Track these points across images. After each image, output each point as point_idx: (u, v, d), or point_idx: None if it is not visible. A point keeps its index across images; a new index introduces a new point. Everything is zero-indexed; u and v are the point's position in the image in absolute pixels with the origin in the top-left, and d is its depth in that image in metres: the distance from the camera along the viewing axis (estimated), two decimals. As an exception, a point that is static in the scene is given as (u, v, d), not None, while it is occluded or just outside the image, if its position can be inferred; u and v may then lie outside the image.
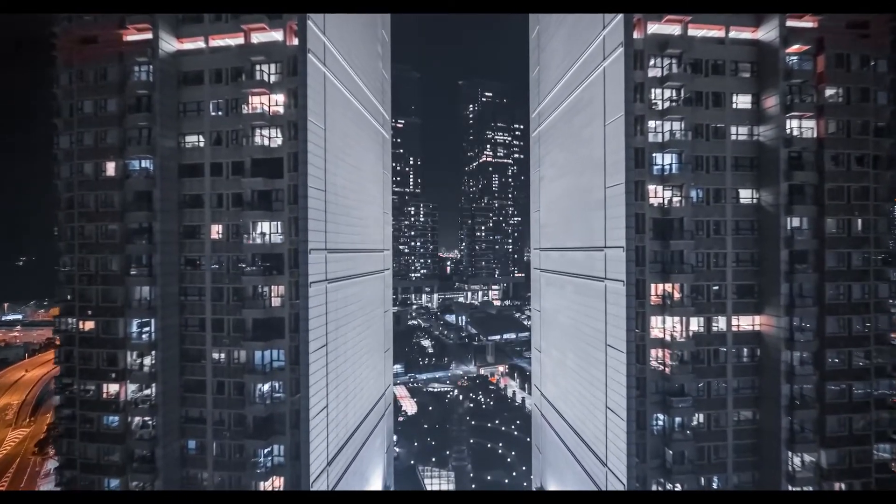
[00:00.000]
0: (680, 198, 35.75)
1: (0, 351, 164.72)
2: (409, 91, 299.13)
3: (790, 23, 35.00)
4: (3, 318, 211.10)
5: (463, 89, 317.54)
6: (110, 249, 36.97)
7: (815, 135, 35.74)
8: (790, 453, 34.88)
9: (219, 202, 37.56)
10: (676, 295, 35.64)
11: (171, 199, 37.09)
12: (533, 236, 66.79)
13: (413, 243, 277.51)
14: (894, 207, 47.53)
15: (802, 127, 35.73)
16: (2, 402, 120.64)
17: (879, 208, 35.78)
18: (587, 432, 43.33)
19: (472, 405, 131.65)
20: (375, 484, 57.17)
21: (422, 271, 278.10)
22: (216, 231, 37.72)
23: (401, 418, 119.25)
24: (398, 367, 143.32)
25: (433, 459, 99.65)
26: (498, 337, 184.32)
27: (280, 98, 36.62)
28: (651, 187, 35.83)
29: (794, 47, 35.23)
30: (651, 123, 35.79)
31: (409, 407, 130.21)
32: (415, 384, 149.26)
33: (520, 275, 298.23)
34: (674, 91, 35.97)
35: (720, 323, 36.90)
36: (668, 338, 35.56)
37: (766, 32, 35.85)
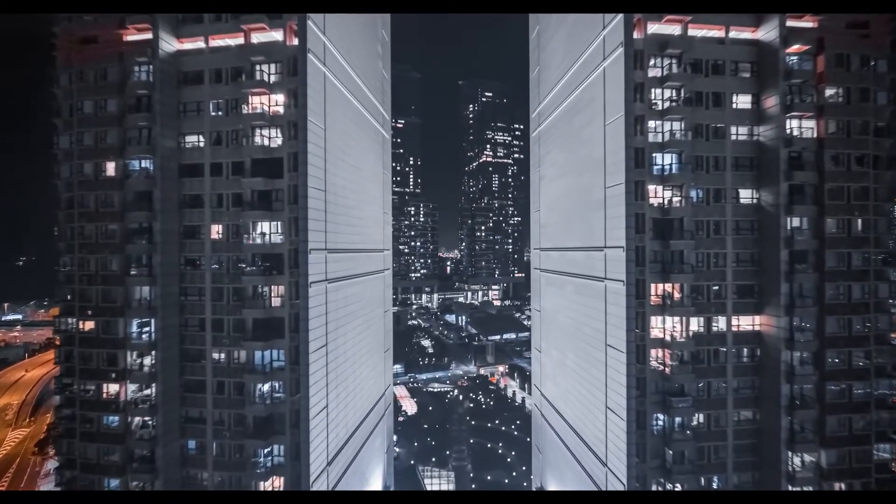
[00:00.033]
0: (680, 198, 35.74)
1: (0, 351, 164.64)
2: (409, 91, 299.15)
3: (790, 23, 35.00)
4: (3, 318, 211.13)
5: (463, 89, 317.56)
6: (110, 249, 36.97)
7: (815, 135, 35.74)
8: (790, 453, 34.88)
9: (219, 202, 37.57)
10: (676, 295, 35.64)
11: (171, 199, 37.10)
12: (533, 236, 66.80)
13: (413, 243, 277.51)
14: (894, 207, 47.53)
15: (802, 127, 35.73)
16: (2, 402, 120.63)
17: (879, 208, 35.78)
18: (587, 432, 43.33)
19: (472, 405, 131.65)
20: (375, 484, 57.17)
21: (422, 271, 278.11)
22: (216, 231, 37.72)
23: (401, 418, 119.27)
24: (398, 367, 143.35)
25: (433, 459, 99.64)
26: (498, 337, 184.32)
27: (280, 98, 36.61)
28: (651, 187, 35.82)
29: (794, 47, 35.24)
30: (651, 123, 35.79)
31: (409, 407, 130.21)
32: (415, 384, 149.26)
33: (520, 275, 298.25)
34: (674, 91, 35.97)
35: (720, 323, 36.90)
36: (668, 338, 35.56)
37: (766, 32, 35.85)
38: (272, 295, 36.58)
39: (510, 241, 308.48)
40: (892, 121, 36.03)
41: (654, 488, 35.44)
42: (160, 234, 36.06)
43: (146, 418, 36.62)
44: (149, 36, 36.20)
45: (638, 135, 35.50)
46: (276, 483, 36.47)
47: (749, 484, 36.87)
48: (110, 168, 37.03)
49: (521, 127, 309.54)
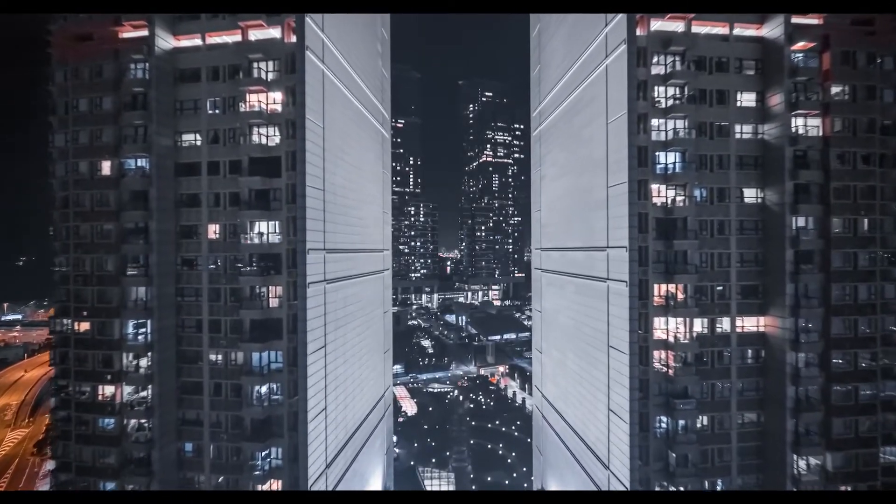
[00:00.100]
0: (683, 197, 35.26)
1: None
2: (409, 91, 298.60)
3: (795, 19, 34.50)
4: (3, 318, 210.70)
5: (463, 89, 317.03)
6: (106, 249, 36.47)
7: (820, 133, 35.22)
8: (795, 456, 34.40)
9: (216, 201, 37.08)
10: (680, 295, 35.17)
11: (167, 198, 36.60)
12: (534, 236, 66.32)
13: (413, 243, 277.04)
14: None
15: (808, 125, 35.24)
16: (1, 402, 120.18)
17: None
18: (589, 434, 42.84)
19: (472, 406, 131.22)
20: (375, 486, 56.70)
21: (422, 271, 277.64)
22: (213, 231, 37.23)
23: (401, 419, 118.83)
24: (398, 368, 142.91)
25: (433, 460, 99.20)
26: (498, 337, 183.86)
27: (278, 96, 36.13)
28: (654, 186, 35.34)
29: (800, 44, 34.73)
30: (654, 122, 35.32)
31: (409, 407, 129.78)
32: (415, 384, 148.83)
33: (520, 275, 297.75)
34: (677, 89, 35.49)
35: (724, 324, 36.39)
36: (671, 339, 35.08)
37: (771, 29, 35.35)
38: (270, 295, 36.11)
39: (510, 241, 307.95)
40: (898, 119, 35.50)
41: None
42: (156, 233, 35.57)
43: (142, 420, 36.06)
44: (145, 33, 35.73)
45: (641, 133, 35.01)
46: (274, 486, 35.99)
47: (754, 487, 36.37)
48: (106, 167, 36.56)
49: (522, 127, 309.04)
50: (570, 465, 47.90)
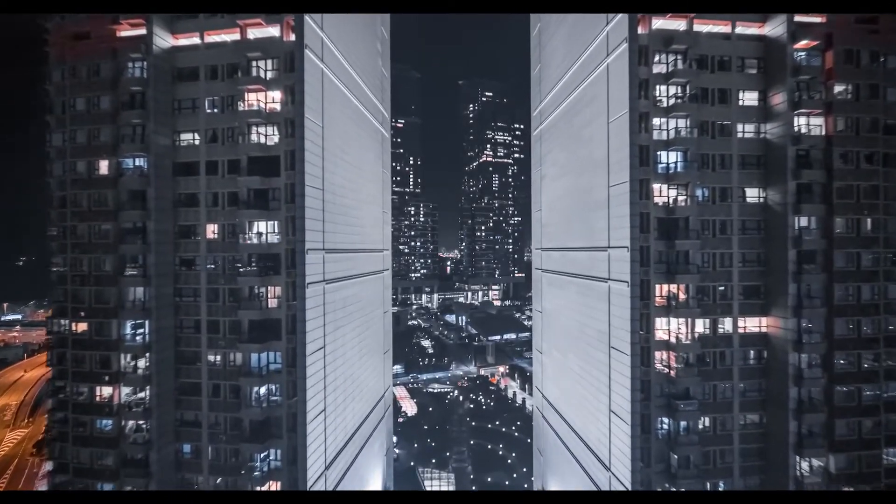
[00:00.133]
0: (685, 197, 34.99)
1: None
2: (409, 91, 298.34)
3: (798, 18, 34.23)
4: (3, 319, 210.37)
5: (463, 89, 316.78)
6: (104, 249, 36.24)
7: (823, 132, 34.98)
8: (798, 457, 34.16)
9: (214, 201, 36.83)
10: (682, 296, 34.91)
11: (165, 197, 36.35)
12: (534, 236, 66.05)
13: (413, 243, 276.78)
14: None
15: (810, 124, 34.99)
16: (0, 402, 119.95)
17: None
18: (590, 435, 42.58)
19: (472, 406, 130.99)
20: (375, 487, 56.43)
21: (422, 271, 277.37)
22: (212, 231, 37.00)
23: (400, 419, 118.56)
24: (398, 368, 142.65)
25: (433, 461, 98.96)
26: (498, 337, 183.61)
27: (277, 95, 35.88)
28: (656, 186, 35.08)
29: (803, 43, 34.53)
30: (656, 121, 35.07)
31: (409, 408, 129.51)
32: (415, 385, 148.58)
33: (520, 275, 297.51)
34: (679, 87, 35.23)
35: (726, 324, 36.13)
36: (673, 340, 34.81)
37: (774, 28, 35.08)
38: (269, 296, 35.87)
39: (510, 241, 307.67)
40: (902, 118, 35.23)
41: (658, 493, 34.66)
42: (154, 233, 35.32)
43: (140, 422, 35.82)
44: (143, 31, 35.51)
45: (642, 132, 34.73)
46: (272, 488, 35.71)
47: (756, 489, 36.07)
48: (103, 166, 36.34)
49: (522, 127, 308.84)
50: (570, 467, 47.64)
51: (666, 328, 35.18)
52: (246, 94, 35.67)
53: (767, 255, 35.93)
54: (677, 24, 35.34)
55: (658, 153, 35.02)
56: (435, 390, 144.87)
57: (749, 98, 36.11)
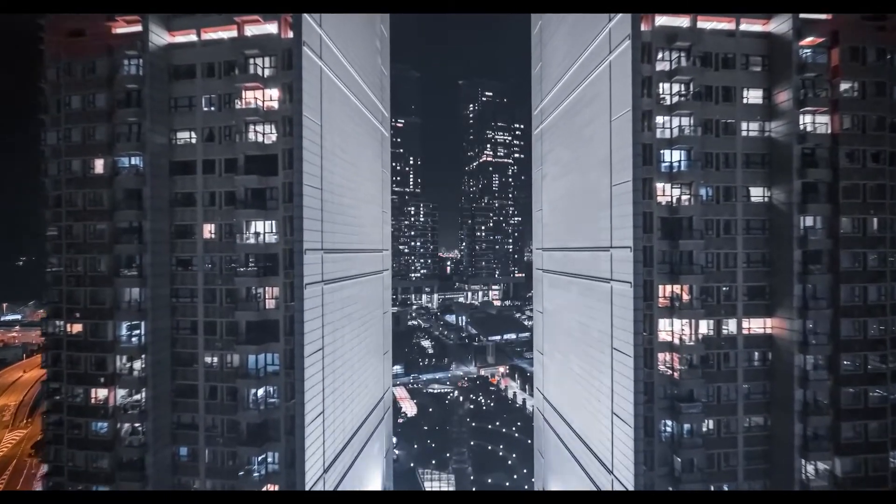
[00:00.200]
0: (689, 196, 34.50)
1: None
2: (409, 90, 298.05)
3: (803, 14, 33.70)
4: (2, 319, 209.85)
5: (463, 89, 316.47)
6: (99, 249, 35.76)
7: (829, 131, 34.42)
8: (803, 461, 33.64)
9: (211, 200, 36.35)
10: (685, 297, 34.42)
11: (161, 197, 35.87)
12: (535, 236, 65.55)
13: (413, 243, 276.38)
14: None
15: (816, 122, 34.41)
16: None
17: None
18: (592, 438, 42.08)
19: (472, 406, 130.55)
20: (374, 489, 55.91)
21: (422, 271, 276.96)
22: (209, 230, 36.50)
23: (400, 420, 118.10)
24: (398, 368, 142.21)
25: (433, 462, 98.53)
26: (498, 337, 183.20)
27: (275, 93, 35.40)
28: (659, 185, 34.55)
29: (808, 40, 34.02)
30: (659, 119, 34.57)
31: (409, 408, 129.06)
32: (415, 385, 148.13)
33: (520, 275, 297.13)
34: (682, 85, 34.73)
35: (730, 326, 35.63)
36: (676, 341, 34.31)
37: (778, 25, 34.58)
38: (266, 297, 35.39)
39: (510, 241, 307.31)
40: (908, 116, 34.71)
41: (661, 497, 34.18)
42: (150, 233, 34.84)
43: (136, 424, 35.43)
44: (139, 29, 34.98)
45: (645, 131, 34.22)
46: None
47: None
48: (99, 165, 35.84)
49: (522, 126, 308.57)
50: (572, 469, 47.14)
51: (669, 329, 34.67)
52: (243, 91, 35.16)
53: (772, 256, 35.43)
54: (681, 20, 34.82)
55: (661, 152, 34.51)
56: (435, 391, 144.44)
57: (753, 96, 35.62)
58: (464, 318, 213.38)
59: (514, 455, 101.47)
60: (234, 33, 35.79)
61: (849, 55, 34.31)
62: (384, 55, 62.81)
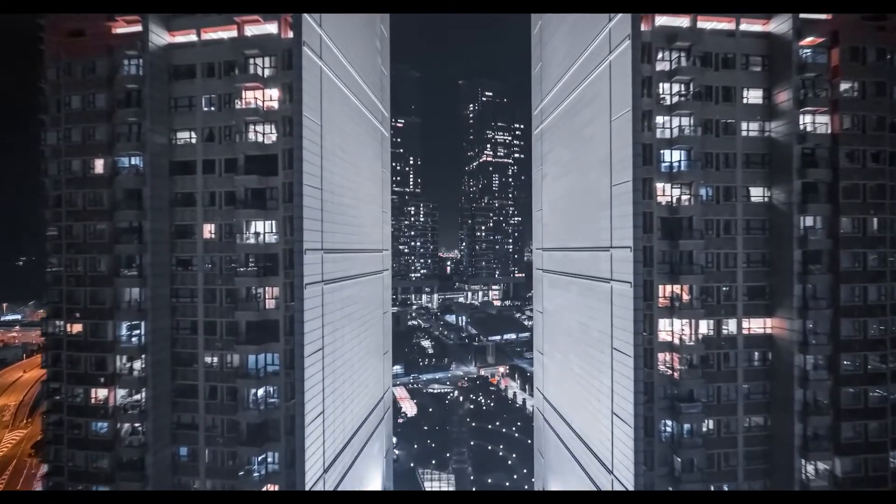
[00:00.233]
0: (689, 196, 34.49)
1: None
2: (409, 90, 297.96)
3: (803, 14, 33.69)
4: (2, 319, 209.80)
5: (463, 89, 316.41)
6: (99, 249, 35.75)
7: (829, 131, 34.41)
8: (803, 461, 33.63)
9: (211, 200, 36.34)
10: (685, 297, 34.42)
11: (161, 197, 35.87)
12: (535, 236, 65.54)
13: (413, 243, 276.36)
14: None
15: (816, 122, 34.41)
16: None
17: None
18: (592, 438, 42.08)
19: (472, 406, 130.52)
20: (374, 489, 55.89)
21: (422, 271, 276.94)
22: (209, 230, 36.50)
23: (400, 420, 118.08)
24: (398, 368, 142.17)
25: (433, 462, 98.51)
26: (498, 337, 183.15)
27: (274, 93, 35.39)
28: (659, 185, 34.55)
29: (808, 40, 34.02)
30: (659, 119, 34.57)
31: (409, 408, 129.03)
32: (415, 385, 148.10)
33: (520, 275, 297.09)
34: (682, 85, 34.73)
35: (730, 326, 35.63)
36: (676, 341, 34.30)
37: (778, 25, 34.57)
38: (266, 297, 35.39)
39: (510, 241, 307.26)
40: (908, 116, 34.70)
41: (661, 497, 34.16)
42: (150, 233, 34.83)
43: (136, 424, 35.43)
44: (139, 28, 34.97)
45: (645, 130, 34.22)
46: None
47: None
48: (99, 165, 35.83)
49: (522, 126, 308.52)
50: (572, 469, 47.14)
51: (669, 329, 34.67)
52: (243, 91, 35.16)
53: (772, 256, 35.43)
54: (681, 20, 34.82)
55: (661, 152, 34.50)
56: (435, 391, 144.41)
57: (753, 96, 35.62)
58: (464, 318, 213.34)
59: (514, 455, 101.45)
60: (234, 33, 35.79)
61: (849, 55, 34.31)
62: (384, 55, 62.81)
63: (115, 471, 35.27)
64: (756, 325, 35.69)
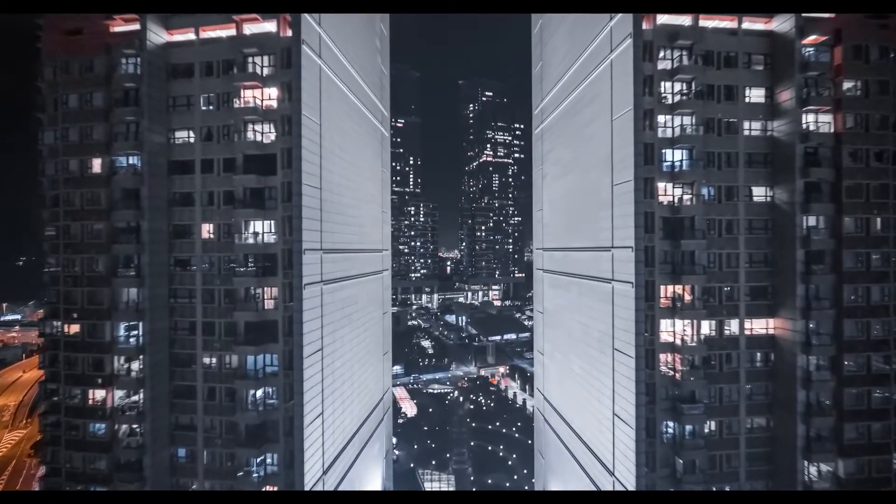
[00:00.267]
0: (691, 195, 34.25)
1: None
2: (409, 90, 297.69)
3: (805, 13, 33.45)
4: (2, 319, 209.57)
5: (463, 89, 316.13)
6: (96, 249, 35.51)
7: (832, 130, 34.18)
8: (806, 462, 33.39)
9: (210, 200, 36.09)
10: (687, 297, 34.18)
11: (159, 196, 35.63)
12: (535, 236, 65.31)
13: (413, 243, 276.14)
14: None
15: (819, 121, 34.20)
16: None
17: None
18: (593, 439, 41.84)
19: (472, 407, 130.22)
20: (374, 489, 55.66)
21: (422, 271, 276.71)
22: (207, 230, 36.25)
23: (400, 420, 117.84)
24: (398, 368, 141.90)
25: (433, 462, 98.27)
26: (498, 337, 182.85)
27: (273, 92, 35.16)
28: (660, 185, 34.33)
29: (811, 38, 33.78)
30: (660, 118, 34.33)
31: (409, 409, 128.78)
32: (415, 385, 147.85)
33: (520, 275, 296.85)
34: (684, 84, 34.50)
35: (733, 326, 35.40)
36: (678, 342, 34.06)
37: (781, 23, 34.33)
38: (265, 297, 35.17)
39: (510, 241, 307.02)
40: (912, 115, 34.45)
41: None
42: (148, 233, 34.58)
43: (134, 425, 35.20)
44: (136, 27, 34.73)
45: (647, 130, 33.98)
46: (269, 493, 34.98)
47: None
48: (96, 164, 35.60)
49: (522, 126, 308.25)
50: (573, 470, 46.90)
51: (671, 330, 34.45)
52: (242, 90, 34.94)
53: (775, 256, 35.19)
54: (682, 19, 34.57)
55: (663, 151, 34.28)
56: (435, 391, 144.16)
57: (756, 95, 35.39)
58: (464, 318, 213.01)
59: (514, 455, 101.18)
60: (232, 32, 35.57)
61: (852, 54, 34.07)
62: (384, 55, 62.57)
63: (113, 472, 35.04)
64: (758, 326, 35.45)
